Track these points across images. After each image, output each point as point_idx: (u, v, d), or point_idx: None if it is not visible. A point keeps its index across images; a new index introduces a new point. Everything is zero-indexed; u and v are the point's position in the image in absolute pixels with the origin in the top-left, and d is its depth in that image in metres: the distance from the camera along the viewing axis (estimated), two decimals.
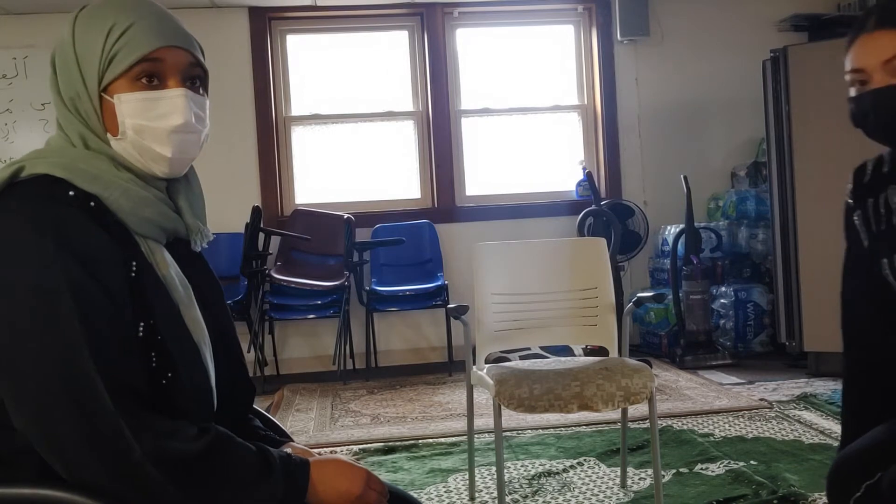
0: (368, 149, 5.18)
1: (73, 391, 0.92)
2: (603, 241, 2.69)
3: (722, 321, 4.72)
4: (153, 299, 1.03)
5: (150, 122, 1.06)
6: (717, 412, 3.42)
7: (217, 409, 1.12)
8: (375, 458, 3.01)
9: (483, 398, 3.41)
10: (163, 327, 1.03)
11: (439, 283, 4.68)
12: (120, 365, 0.96)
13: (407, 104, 5.22)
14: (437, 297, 4.63)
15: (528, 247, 2.72)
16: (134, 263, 1.03)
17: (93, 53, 1.05)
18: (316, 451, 1.23)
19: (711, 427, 3.20)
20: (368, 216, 4.96)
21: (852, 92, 1.35)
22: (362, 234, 4.87)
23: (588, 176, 4.89)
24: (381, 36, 5.23)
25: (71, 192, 1.00)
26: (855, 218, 1.43)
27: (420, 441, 3.22)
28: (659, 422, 2.78)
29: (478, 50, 5.26)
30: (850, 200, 1.46)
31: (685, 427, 3.21)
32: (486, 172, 5.24)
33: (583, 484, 2.63)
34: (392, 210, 5.07)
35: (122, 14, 1.06)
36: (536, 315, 2.60)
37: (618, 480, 2.63)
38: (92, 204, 1.01)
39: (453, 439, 3.21)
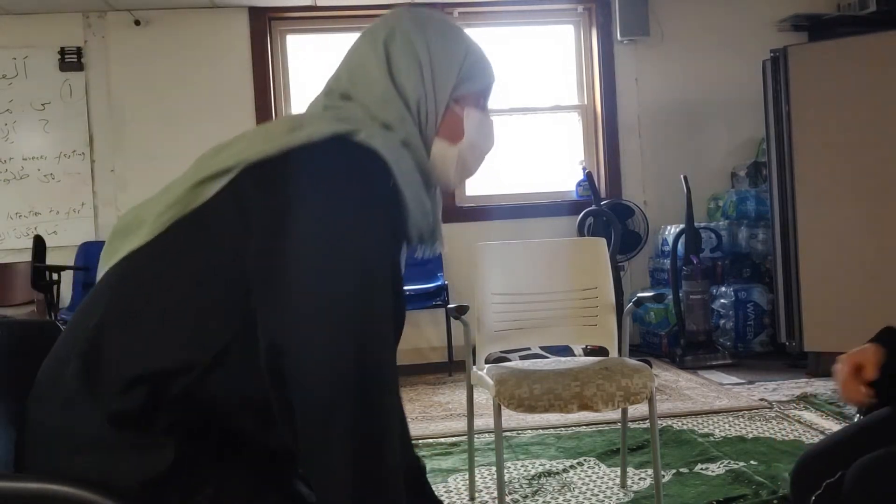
0: None
1: (369, 379, 0.92)
2: (603, 241, 2.69)
3: (722, 321, 4.72)
4: (399, 296, 1.08)
5: (480, 140, 1.18)
6: (717, 412, 3.42)
7: None
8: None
9: (483, 398, 3.41)
10: (399, 325, 1.08)
11: (439, 283, 4.68)
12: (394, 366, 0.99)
13: None
14: (437, 297, 4.63)
15: (529, 247, 2.72)
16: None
17: (451, 64, 1.15)
18: None
19: (711, 427, 3.20)
20: None
21: None
22: None
23: (588, 176, 4.89)
24: None
25: (391, 183, 1.02)
26: None
27: (420, 441, 3.22)
28: (659, 422, 2.78)
29: None
30: None
31: (685, 427, 3.21)
32: (486, 172, 5.22)
33: (583, 484, 2.63)
34: None
35: (473, 46, 1.19)
36: (536, 315, 2.60)
37: (618, 480, 2.63)
38: (396, 198, 1.04)
39: (453, 439, 3.21)
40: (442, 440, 3.22)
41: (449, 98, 1.14)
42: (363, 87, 1.12)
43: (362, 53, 1.16)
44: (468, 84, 1.16)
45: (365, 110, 1.10)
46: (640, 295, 2.59)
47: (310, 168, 0.97)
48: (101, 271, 1.06)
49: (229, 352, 0.96)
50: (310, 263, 0.93)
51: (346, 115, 1.06)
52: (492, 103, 1.24)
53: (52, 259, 4.45)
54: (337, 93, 1.14)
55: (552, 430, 3.24)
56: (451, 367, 4.65)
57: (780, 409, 3.44)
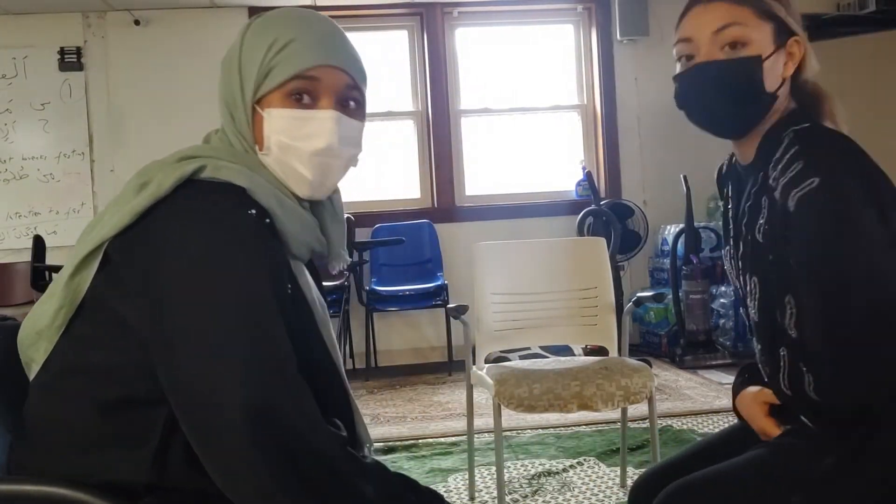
0: (369, 149, 5.16)
1: (290, 388, 0.90)
2: (602, 241, 2.69)
3: (722, 321, 4.72)
4: (301, 320, 1.02)
5: (294, 142, 1.03)
6: (716, 412, 3.42)
7: None
8: (375, 458, 3.01)
9: (483, 398, 3.41)
10: (310, 349, 1.02)
11: (439, 282, 4.68)
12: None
13: (406, 104, 5.22)
14: (436, 297, 4.63)
15: (528, 246, 2.72)
16: (289, 285, 1.01)
17: (253, 63, 1.04)
18: None
19: (711, 427, 3.20)
20: (368, 216, 4.95)
21: (678, 68, 1.25)
22: (362, 234, 4.87)
23: (588, 176, 4.89)
24: (381, 36, 5.23)
25: (253, 210, 0.97)
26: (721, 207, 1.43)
27: (420, 441, 3.22)
28: (659, 421, 2.78)
29: (477, 50, 5.26)
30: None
31: (685, 427, 3.21)
32: (485, 172, 5.24)
33: (583, 483, 2.63)
34: (392, 210, 5.07)
35: (288, 28, 1.05)
36: (536, 315, 2.60)
37: (617, 480, 2.64)
38: (267, 221, 0.99)
39: (453, 439, 3.21)
40: (442, 440, 3.22)
41: (252, 100, 1.04)
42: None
43: None
44: (271, 79, 1.03)
45: (221, 134, 1.08)
46: (639, 294, 2.59)
47: (163, 225, 0.94)
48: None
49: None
50: (186, 313, 0.90)
51: (191, 153, 1.02)
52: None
53: (51, 259, 4.45)
54: None
55: (552, 430, 3.24)
56: (451, 366, 4.65)
57: None
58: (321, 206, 1.12)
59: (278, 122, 1.03)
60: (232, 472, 0.87)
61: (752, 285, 1.23)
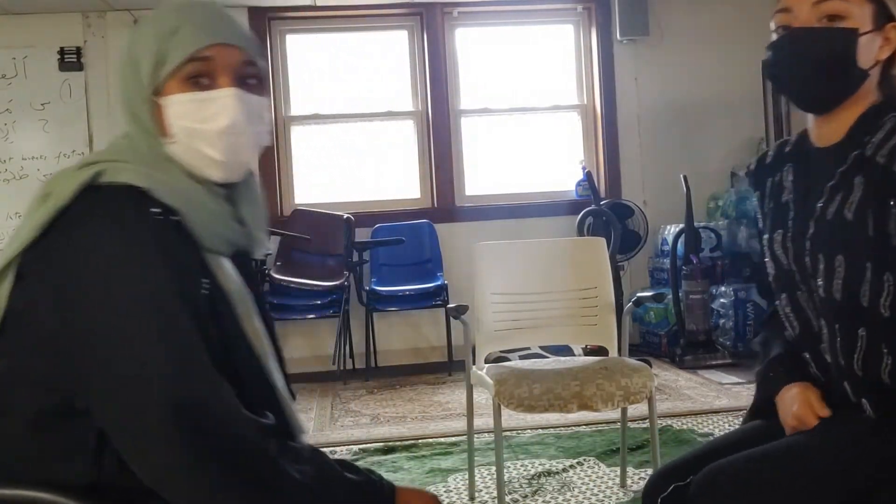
0: (368, 149, 5.18)
1: (204, 391, 0.92)
2: (602, 241, 2.69)
3: (722, 321, 4.72)
4: (220, 315, 1.02)
5: (199, 125, 1.03)
6: (716, 412, 3.42)
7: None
8: (375, 458, 3.01)
9: (483, 398, 3.41)
10: (231, 344, 1.02)
11: (439, 282, 4.68)
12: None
13: (407, 104, 5.22)
14: (436, 297, 4.63)
15: (528, 246, 2.72)
16: (206, 280, 1.01)
17: (146, 56, 1.03)
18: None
19: (711, 427, 3.20)
20: (368, 216, 4.95)
21: (773, 37, 1.26)
22: (362, 234, 4.87)
23: (588, 175, 4.89)
24: (381, 36, 5.23)
25: (155, 209, 0.97)
26: (755, 197, 1.41)
27: (420, 441, 3.22)
28: (659, 421, 2.78)
29: (477, 50, 5.26)
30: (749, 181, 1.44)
31: (685, 427, 3.21)
32: (485, 172, 5.24)
33: (582, 483, 2.63)
34: (392, 210, 5.07)
35: (175, 15, 1.04)
36: (536, 315, 2.60)
37: (617, 480, 2.64)
38: (174, 218, 0.99)
39: (453, 439, 3.21)
40: (442, 440, 3.22)
41: (150, 93, 1.03)
42: None
43: None
44: (166, 67, 1.02)
45: (125, 136, 1.08)
46: (639, 294, 2.59)
47: (66, 235, 0.95)
48: None
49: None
50: (95, 319, 0.92)
51: (92, 158, 1.02)
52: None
53: None
54: None
55: (552, 430, 3.24)
56: (451, 366, 4.65)
57: None
58: (237, 192, 1.11)
59: (179, 107, 1.03)
60: (155, 466, 0.90)
61: (833, 263, 1.21)
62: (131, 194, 0.97)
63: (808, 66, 1.20)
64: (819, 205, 1.24)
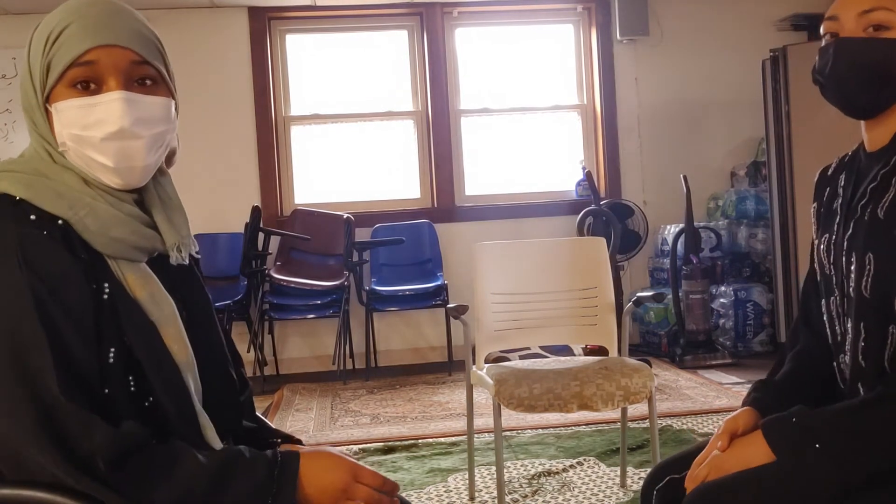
0: (368, 149, 5.18)
1: (27, 386, 0.91)
2: (602, 241, 2.69)
3: (721, 321, 4.72)
4: (126, 322, 0.99)
5: (85, 132, 0.99)
6: (716, 412, 3.42)
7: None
8: (375, 458, 3.01)
9: (483, 398, 3.41)
10: (138, 350, 0.99)
11: (439, 282, 4.68)
12: (80, 380, 0.94)
13: (407, 104, 5.22)
14: (436, 297, 4.63)
15: (528, 246, 2.72)
16: (106, 285, 0.99)
17: (36, 62, 1.00)
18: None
19: (711, 427, 3.20)
20: (368, 216, 4.96)
21: (822, 44, 1.30)
22: (362, 234, 4.87)
23: (588, 175, 4.89)
24: (381, 36, 5.23)
25: (33, 216, 0.96)
26: (812, 208, 1.43)
27: (420, 441, 3.22)
28: (659, 421, 2.78)
29: (477, 49, 5.26)
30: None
31: (685, 426, 3.21)
32: (485, 172, 5.24)
33: (582, 483, 2.63)
34: (392, 210, 5.07)
35: (63, 17, 1.00)
36: (536, 315, 2.60)
37: (617, 480, 2.64)
38: (60, 222, 0.97)
39: (453, 439, 3.21)
40: (442, 440, 3.22)
41: (42, 101, 1.01)
42: None
43: None
44: (52, 73, 0.99)
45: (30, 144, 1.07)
46: (639, 294, 2.59)
47: None
48: None
49: None
50: None
51: (6, 163, 1.03)
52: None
53: None
54: None
55: (552, 430, 3.24)
56: (451, 366, 4.65)
57: None
58: (148, 196, 1.07)
59: (66, 114, 1.00)
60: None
61: (864, 261, 1.23)
62: (5, 203, 0.97)
63: (853, 75, 1.24)
64: (860, 206, 1.27)
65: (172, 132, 1.07)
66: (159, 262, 1.07)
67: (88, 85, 1.00)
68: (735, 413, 1.31)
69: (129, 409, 0.98)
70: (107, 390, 0.97)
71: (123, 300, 1.00)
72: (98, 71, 1.00)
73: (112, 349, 0.98)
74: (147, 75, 1.03)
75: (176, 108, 1.08)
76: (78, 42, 0.98)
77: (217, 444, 1.06)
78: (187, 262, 1.10)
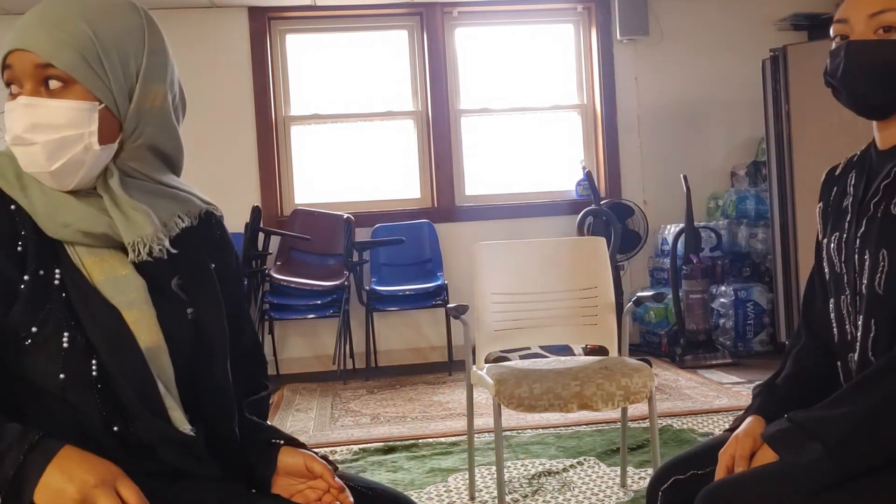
0: (368, 149, 5.18)
1: None
2: (602, 241, 2.69)
3: (722, 320, 4.72)
4: (80, 307, 1.00)
5: (6, 136, 1.02)
6: (716, 411, 3.42)
7: (207, 412, 1.10)
8: (375, 458, 3.01)
9: (483, 398, 3.41)
10: (92, 335, 1.00)
11: (439, 282, 4.68)
12: None
13: (407, 104, 5.22)
14: (436, 297, 4.63)
15: (528, 246, 2.72)
16: (57, 271, 1.00)
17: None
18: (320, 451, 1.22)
19: (711, 426, 3.20)
20: (368, 216, 4.96)
21: (833, 46, 1.32)
22: (362, 234, 4.87)
23: (588, 175, 4.89)
24: (381, 36, 5.23)
25: None
26: (817, 209, 1.44)
27: (420, 441, 3.22)
28: (659, 421, 2.78)
29: (477, 49, 5.26)
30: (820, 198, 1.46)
31: (685, 426, 3.21)
32: (485, 172, 5.24)
33: (583, 483, 2.63)
34: (392, 210, 5.07)
35: (18, 21, 1.03)
36: (536, 314, 2.60)
37: (618, 480, 2.64)
38: (13, 207, 1.01)
39: (453, 439, 3.21)
40: (442, 440, 3.22)
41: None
42: None
43: None
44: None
45: None
46: (639, 294, 2.59)
47: None
48: None
49: None
50: None
51: None
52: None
53: None
54: None
55: (552, 430, 3.24)
56: (451, 366, 4.65)
57: None
58: (107, 191, 1.05)
59: (3, 118, 1.02)
60: None
61: (877, 258, 1.24)
62: None
63: (865, 77, 1.26)
64: (873, 203, 1.28)
65: (90, 132, 1.02)
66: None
67: (13, 89, 1.02)
68: (746, 426, 1.29)
69: (87, 393, 0.99)
70: (62, 376, 0.98)
71: (78, 286, 1.01)
72: (16, 74, 1.01)
73: (66, 334, 0.99)
74: (55, 76, 1.00)
75: (125, 110, 1.05)
76: (4, 45, 1.01)
77: (185, 426, 1.05)
78: (151, 259, 1.05)
